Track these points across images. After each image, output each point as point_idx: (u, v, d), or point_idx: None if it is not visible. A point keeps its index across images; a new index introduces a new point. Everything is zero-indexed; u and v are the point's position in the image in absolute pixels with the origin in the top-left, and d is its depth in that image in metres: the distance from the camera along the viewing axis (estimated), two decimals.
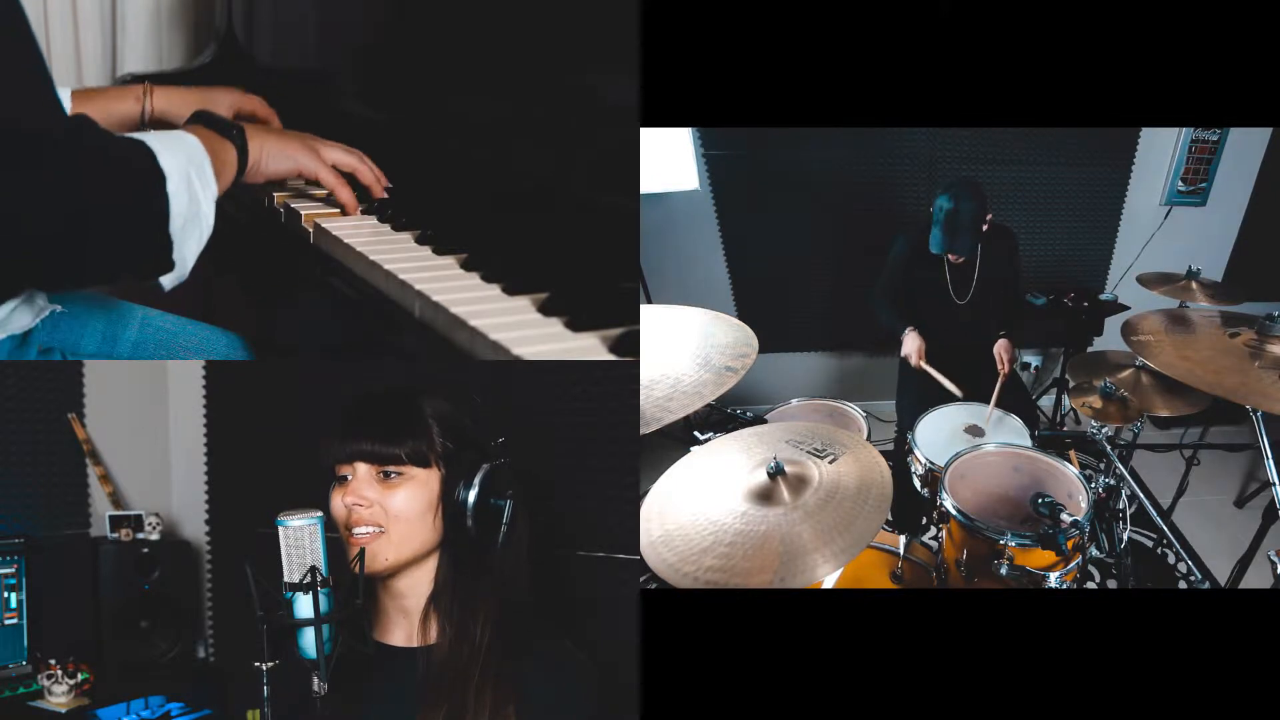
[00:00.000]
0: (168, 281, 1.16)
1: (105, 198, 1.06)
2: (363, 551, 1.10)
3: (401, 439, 1.12)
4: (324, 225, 1.41)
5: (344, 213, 1.47)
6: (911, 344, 2.56)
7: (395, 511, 1.12)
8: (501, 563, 1.17)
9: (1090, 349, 3.06)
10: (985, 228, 2.53)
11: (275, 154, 1.38)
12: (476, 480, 1.14)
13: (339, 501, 1.13)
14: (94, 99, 1.57)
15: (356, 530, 1.11)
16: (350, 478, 1.13)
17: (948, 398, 2.40)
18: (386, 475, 1.12)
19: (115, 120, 1.55)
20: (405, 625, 1.18)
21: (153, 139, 1.14)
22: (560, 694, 1.12)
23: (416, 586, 1.16)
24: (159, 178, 1.10)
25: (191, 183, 1.14)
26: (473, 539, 1.15)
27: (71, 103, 1.51)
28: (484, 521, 1.15)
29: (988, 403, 2.34)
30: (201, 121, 1.31)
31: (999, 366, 2.51)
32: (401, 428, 1.13)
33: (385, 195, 1.52)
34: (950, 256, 2.56)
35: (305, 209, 1.47)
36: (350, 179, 1.48)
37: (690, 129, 3.04)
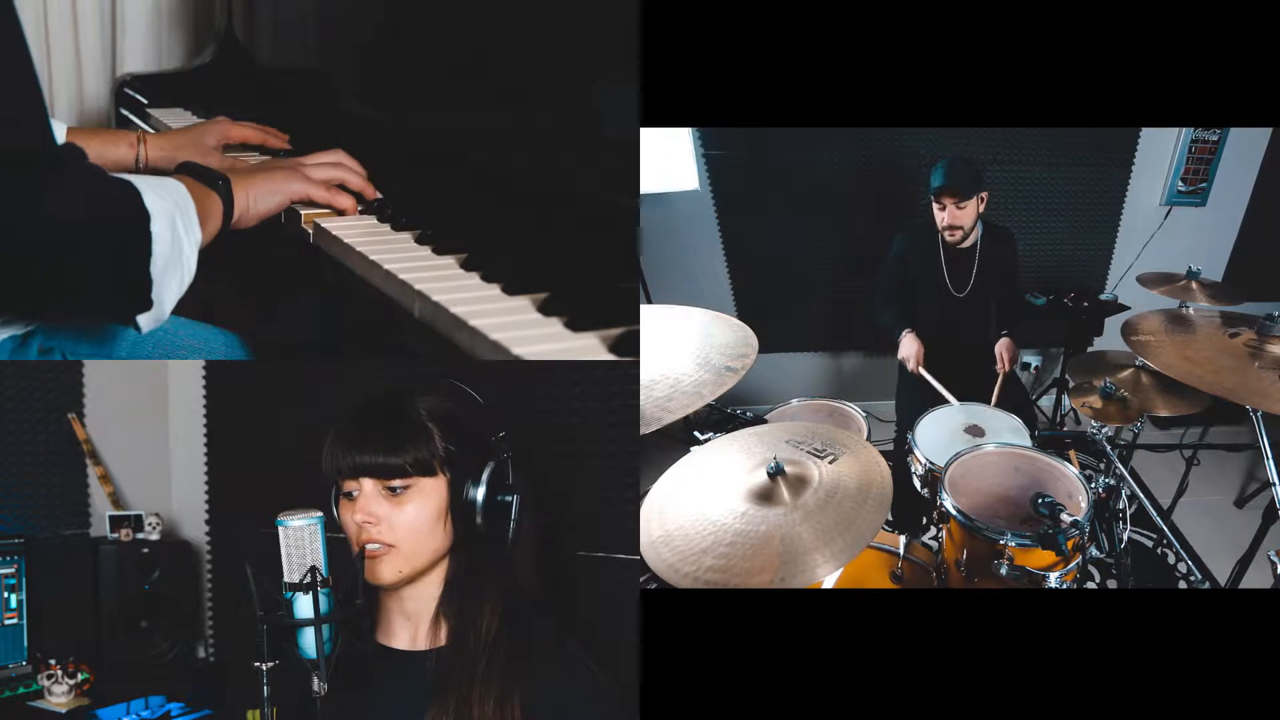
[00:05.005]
0: (144, 322, 1.14)
1: (88, 230, 1.05)
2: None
3: (403, 449, 1.11)
4: (324, 225, 1.41)
5: (342, 214, 1.46)
6: (909, 348, 2.54)
7: (406, 527, 1.11)
8: (510, 560, 1.17)
9: (1090, 349, 3.05)
10: (981, 208, 2.52)
11: (262, 195, 1.37)
12: (483, 478, 1.14)
13: (349, 519, 1.12)
14: (88, 139, 1.56)
15: (369, 546, 1.11)
16: (357, 494, 1.12)
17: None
18: (393, 490, 1.11)
19: (108, 164, 1.55)
20: (408, 629, 1.18)
21: (140, 181, 1.14)
22: (567, 694, 1.11)
23: (424, 591, 1.16)
24: (143, 216, 1.09)
25: (175, 226, 1.14)
26: (483, 538, 1.15)
27: (65, 139, 1.49)
28: (494, 519, 1.15)
29: (987, 402, 2.34)
30: (187, 172, 1.31)
31: (999, 366, 2.51)
32: (403, 437, 1.11)
33: (378, 195, 1.51)
34: (950, 203, 2.49)
35: (304, 210, 1.47)
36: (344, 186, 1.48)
37: (690, 129, 3.04)
